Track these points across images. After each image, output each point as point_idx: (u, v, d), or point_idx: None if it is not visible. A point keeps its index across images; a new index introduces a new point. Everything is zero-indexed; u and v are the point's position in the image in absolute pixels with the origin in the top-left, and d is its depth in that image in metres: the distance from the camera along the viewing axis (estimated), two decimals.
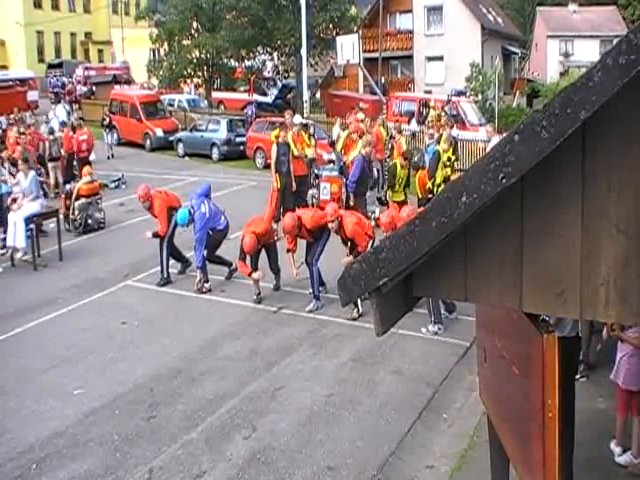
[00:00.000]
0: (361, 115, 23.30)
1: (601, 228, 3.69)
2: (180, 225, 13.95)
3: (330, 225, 12.47)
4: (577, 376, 8.45)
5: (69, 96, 42.82)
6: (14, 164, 17.45)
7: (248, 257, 13.13)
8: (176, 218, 13.87)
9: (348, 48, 36.69)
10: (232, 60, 46.34)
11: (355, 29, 45.19)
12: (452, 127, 22.01)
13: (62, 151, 23.18)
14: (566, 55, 61.40)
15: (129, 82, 49.10)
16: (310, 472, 8.09)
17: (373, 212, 17.41)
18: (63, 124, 27.65)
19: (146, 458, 8.37)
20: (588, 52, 54.28)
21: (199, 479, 7.99)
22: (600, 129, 3.58)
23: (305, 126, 22.49)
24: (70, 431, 8.99)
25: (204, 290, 13.81)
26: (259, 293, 13.25)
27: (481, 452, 7.81)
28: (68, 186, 17.60)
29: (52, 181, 22.37)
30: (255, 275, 13.13)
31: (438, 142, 17.94)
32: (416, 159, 19.31)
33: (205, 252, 13.86)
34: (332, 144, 21.96)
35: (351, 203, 16.64)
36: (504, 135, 3.78)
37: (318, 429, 8.96)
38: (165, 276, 14.33)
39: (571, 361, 7.05)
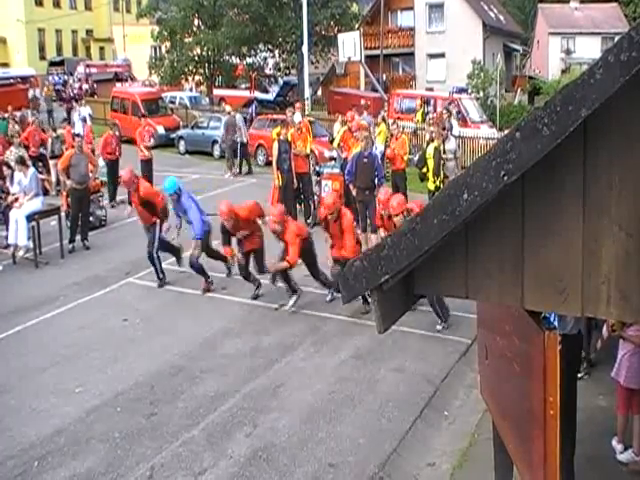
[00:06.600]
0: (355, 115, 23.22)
1: (602, 226, 3.69)
2: (168, 194, 13.74)
3: (329, 216, 12.40)
4: (580, 374, 8.45)
5: (65, 103, 42.39)
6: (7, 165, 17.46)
7: (235, 245, 13.26)
8: (163, 186, 13.76)
9: (349, 45, 36.66)
10: (233, 57, 46.28)
11: (356, 26, 45.15)
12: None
13: (64, 148, 23.12)
14: (567, 52, 61.32)
15: (126, 79, 49.10)
16: (311, 469, 8.10)
17: None
18: (64, 121, 27.68)
19: (147, 456, 8.38)
20: (589, 49, 54.21)
21: (200, 476, 8.00)
22: (601, 127, 3.58)
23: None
24: (71, 429, 9.00)
25: (212, 289, 13.77)
26: (259, 285, 13.29)
27: (482, 450, 7.81)
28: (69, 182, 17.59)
29: (53, 178, 22.31)
30: (234, 253, 13.21)
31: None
32: (417, 158, 19.52)
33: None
34: (332, 141, 22.02)
35: (353, 193, 17.08)
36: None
37: (319, 427, 8.96)
38: (161, 277, 14.31)
39: (573, 359, 7.05)
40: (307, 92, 35.95)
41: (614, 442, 7.98)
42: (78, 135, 21.55)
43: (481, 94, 37.66)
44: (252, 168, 27.04)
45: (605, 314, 3.91)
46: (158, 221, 14.07)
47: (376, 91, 39.44)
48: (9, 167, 17.26)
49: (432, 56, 48.24)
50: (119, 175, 21.45)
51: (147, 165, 22.61)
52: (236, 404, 9.57)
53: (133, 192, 14.29)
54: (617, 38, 3.46)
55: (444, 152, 17.86)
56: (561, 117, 3.42)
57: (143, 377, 10.40)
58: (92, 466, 8.21)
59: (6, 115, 27.93)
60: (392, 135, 20.02)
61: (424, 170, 18.05)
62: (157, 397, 9.81)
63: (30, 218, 15.63)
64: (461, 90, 36.77)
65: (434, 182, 17.47)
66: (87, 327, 12.29)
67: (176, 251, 14.85)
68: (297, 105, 25.58)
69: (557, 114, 3.42)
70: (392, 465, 8.24)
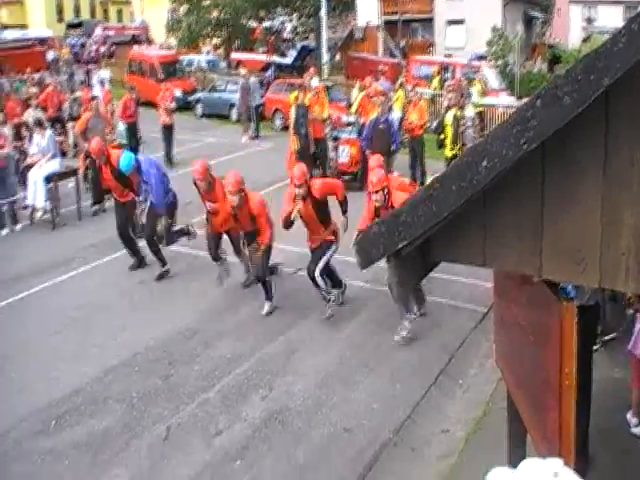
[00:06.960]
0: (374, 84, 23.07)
1: (622, 197, 3.66)
2: (125, 171, 12.81)
3: (298, 191, 10.65)
4: (595, 347, 8.42)
5: (83, 65, 41.84)
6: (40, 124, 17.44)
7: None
8: (120, 165, 12.81)
9: (368, 10, 36.39)
10: (251, 21, 45.99)
11: None
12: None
13: (81, 111, 23.08)
14: (589, 21, 60.51)
15: (144, 42, 48.84)
16: (327, 432, 8.18)
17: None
18: (82, 84, 27.63)
19: (164, 416, 8.48)
20: (611, 18, 53.31)
21: (216, 437, 8.10)
22: (623, 97, 3.54)
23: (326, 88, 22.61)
24: (88, 389, 9.11)
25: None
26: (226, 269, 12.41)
27: (496, 418, 7.85)
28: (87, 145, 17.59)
29: (71, 141, 22.30)
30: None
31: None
32: (435, 124, 19.44)
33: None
34: (350, 107, 21.97)
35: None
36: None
37: (334, 391, 9.03)
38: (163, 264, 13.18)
39: (589, 330, 7.03)
40: (325, 57, 35.71)
41: (628, 415, 7.97)
42: (95, 98, 21.52)
43: (500, 62, 37.25)
44: (260, 131, 26.90)
45: (623, 287, 3.88)
46: (135, 198, 13.27)
47: (394, 57, 39.14)
48: (28, 128, 17.29)
49: (451, 22, 47.68)
50: (139, 137, 21.51)
51: (168, 131, 22.45)
52: (251, 367, 9.65)
53: (104, 165, 13.13)
54: None
55: (462, 119, 17.78)
56: (582, 86, 3.39)
57: (160, 339, 10.49)
58: (109, 425, 8.32)
59: (24, 77, 27.91)
60: (410, 102, 19.90)
61: (442, 137, 17.97)
62: (174, 358, 9.90)
63: (48, 179, 15.70)
64: (480, 57, 36.43)
65: (452, 149, 17.42)
66: (103, 288, 12.39)
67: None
68: (311, 70, 25.41)
69: (578, 83, 3.39)
70: (406, 431, 8.31)
